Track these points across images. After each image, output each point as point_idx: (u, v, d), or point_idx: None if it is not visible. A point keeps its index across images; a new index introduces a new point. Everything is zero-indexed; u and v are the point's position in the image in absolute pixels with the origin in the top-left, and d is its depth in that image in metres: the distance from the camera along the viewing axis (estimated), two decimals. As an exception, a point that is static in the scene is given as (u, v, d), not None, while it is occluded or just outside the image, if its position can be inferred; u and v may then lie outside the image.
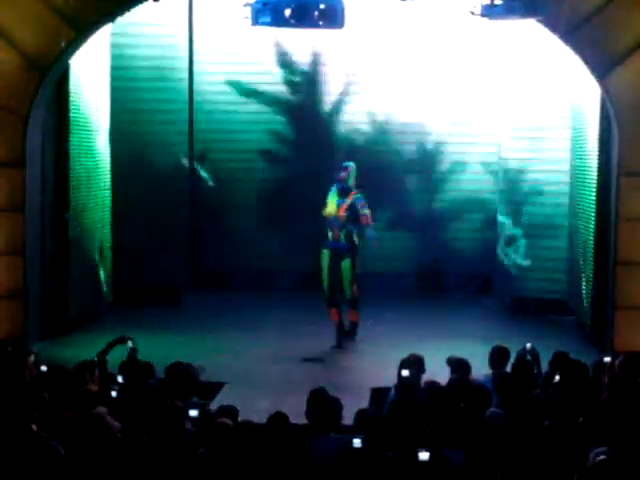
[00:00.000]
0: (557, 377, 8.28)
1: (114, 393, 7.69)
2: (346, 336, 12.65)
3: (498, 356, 8.90)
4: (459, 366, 8.72)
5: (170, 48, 15.32)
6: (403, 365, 8.74)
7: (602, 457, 6.00)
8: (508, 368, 8.87)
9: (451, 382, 8.22)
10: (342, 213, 12.45)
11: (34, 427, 6.56)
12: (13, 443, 6.33)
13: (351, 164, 12.77)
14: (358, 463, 6.20)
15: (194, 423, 7.00)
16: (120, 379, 8.31)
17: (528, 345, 9.12)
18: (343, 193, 12.53)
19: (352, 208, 12.46)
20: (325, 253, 12.56)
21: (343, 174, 12.58)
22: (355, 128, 16.21)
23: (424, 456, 6.09)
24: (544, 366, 9.13)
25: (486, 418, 7.32)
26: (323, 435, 6.99)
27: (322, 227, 12.71)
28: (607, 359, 8.88)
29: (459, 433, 6.81)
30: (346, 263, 12.46)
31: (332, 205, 12.52)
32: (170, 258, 15.32)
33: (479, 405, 7.53)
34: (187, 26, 15.59)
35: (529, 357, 9.00)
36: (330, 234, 12.52)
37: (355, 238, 12.53)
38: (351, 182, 12.57)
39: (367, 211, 12.48)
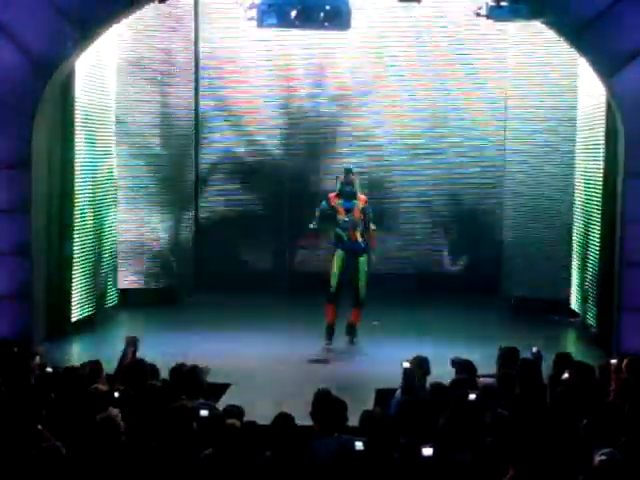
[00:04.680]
0: (566, 375, 8.25)
1: (117, 394, 7.66)
2: (349, 338, 12.65)
3: (507, 357, 8.85)
4: (464, 368, 8.70)
5: (176, 46, 15.33)
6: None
7: (607, 458, 5.99)
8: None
9: (454, 382, 8.21)
10: (358, 215, 12.50)
11: (39, 427, 6.57)
12: (17, 443, 6.33)
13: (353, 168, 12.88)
14: (361, 464, 6.19)
15: (201, 424, 6.99)
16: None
17: (534, 349, 9.08)
18: (348, 196, 12.53)
19: (365, 212, 12.58)
20: (339, 254, 12.52)
21: (352, 177, 12.61)
22: (355, 124, 16.17)
23: (427, 452, 6.08)
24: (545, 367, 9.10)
25: (490, 418, 7.31)
26: (327, 436, 7.00)
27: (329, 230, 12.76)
28: (613, 361, 8.86)
29: (465, 433, 6.80)
30: (363, 262, 12.50)
31: (340, 208, 12.51)
32: (174, 259, 15.32)
33: (485, 405, 7.51)
34: (192, 26, 15.61)
35: (532, 359, 8.96)
36: (345, 235, 12.48)
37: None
38: (357, 186, 12.64)
39: (375, 229, 12.63)
